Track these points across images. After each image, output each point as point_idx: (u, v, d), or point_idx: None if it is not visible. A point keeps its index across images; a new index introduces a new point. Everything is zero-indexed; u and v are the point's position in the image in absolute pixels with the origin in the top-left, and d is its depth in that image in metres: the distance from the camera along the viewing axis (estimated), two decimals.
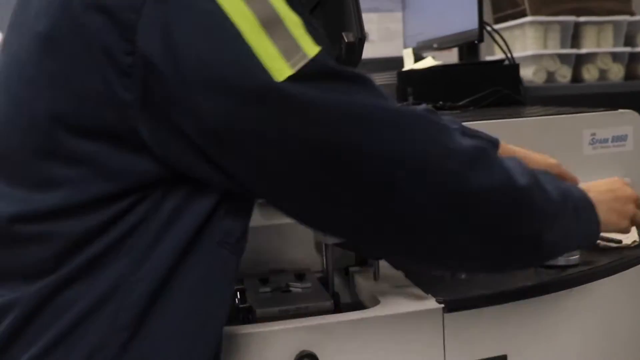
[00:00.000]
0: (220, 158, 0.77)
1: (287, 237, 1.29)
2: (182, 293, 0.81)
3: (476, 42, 1.92)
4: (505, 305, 1.11)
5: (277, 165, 0.77)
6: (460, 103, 1.81)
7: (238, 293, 1.18)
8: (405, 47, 2.40)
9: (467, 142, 0.85)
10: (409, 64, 2.28)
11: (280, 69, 0.73)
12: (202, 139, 0.75)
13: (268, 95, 0.73)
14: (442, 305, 1.07)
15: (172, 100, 0.74)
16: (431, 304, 1.08)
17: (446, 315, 1.06)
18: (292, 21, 0.75)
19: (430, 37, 2.24)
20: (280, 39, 0.74)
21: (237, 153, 0.76)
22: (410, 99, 1.85)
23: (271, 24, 0.74)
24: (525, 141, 1.51)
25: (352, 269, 1.29)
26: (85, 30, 0.74)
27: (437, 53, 2.38)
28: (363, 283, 1.20)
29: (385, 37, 2.99)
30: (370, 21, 3.01)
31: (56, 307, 0.77)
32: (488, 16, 2.68)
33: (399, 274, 1.22)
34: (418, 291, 1.13)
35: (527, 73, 2.37)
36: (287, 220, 1.26)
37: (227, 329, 1.00)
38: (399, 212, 0.81)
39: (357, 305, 1.25)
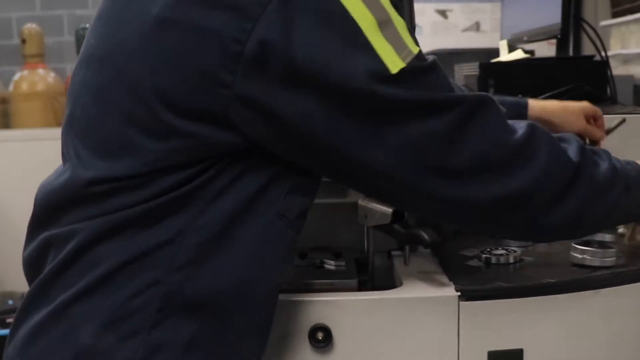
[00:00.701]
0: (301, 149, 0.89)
1: (333, 216, 1.34)
2: (236, 250, 0.90)
3: (559, 36, 1.88)
4: (526, 299, 1.12)
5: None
6: (540, 97, 1.78)
7: None
8: (502, 38, 2.37)
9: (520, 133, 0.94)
10: (503, 56, 2.25)
11: (394, 62, 0.83)
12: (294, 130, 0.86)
13: (385, 85, 0.84)
14: (459, 293, 1.09)
15: (274, 87, 0.83)
16: (449, 291, 1.10)
17: (462, 303, 1.09)
18: (399, 22, 0.86)
19: (522, 30, 2.20)
20: (392, 37, 0.84)
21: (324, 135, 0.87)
22: (491, 90, 1.85)
23: (385, 24, 0.84)
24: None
25: (393, 252, 1.33)
26: (203, 16, 0.82)
27: (539, 46, 2.34)
28: (396, 266, 1.23)
29: (495, 27, 2.95)
30: (482, 11, 2.98)
31: (116, 242, 0.88)
32: (605, 10, 2.60)
33: (434, 261, 1.25)
34: (443, 278, 1.16)
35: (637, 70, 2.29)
36: (336, 199, 1.34)
37: None
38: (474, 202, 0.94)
39: (388, 287, 1.29)
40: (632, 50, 2.35)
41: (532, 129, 0.95)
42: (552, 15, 1.93)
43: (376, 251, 1.33)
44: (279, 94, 0.83)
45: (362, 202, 1.29)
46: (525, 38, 2.17)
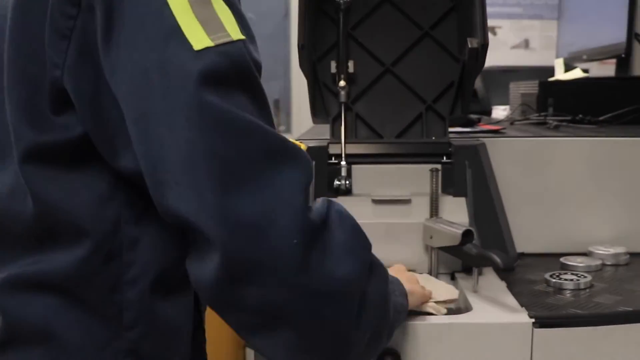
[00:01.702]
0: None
1: (397, 237, 1.31)
2: None
3: (623, 55, 1.83)
4: (602, 328, 1.07)
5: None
6: (601, 118, 1.74)
7: None
8: (558, 56, 2.33)
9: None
10: (559, 74, 2.21)
11: (201, 39, 0.72)
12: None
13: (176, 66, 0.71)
14: (533, 320, 1.05)
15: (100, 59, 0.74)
16: (522, 317, 1.06)
17: (536, 330, 1.04)
18: (220, 7, 0.75)
19: (581, 48, 2.16)
20: (204, 16, 0.73)
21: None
22: (550, 109, 1.81)
23: (199, 3, 0.74)
24: None
25: (457, 274, 1.29)
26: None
27: (592, 66, 2.29)
28: (463, 289, 1.20)
29: (547, 45, 2.91)
30: (532, 28, 2.94)
31: None
32: None
33: (501, 285, 1.21)
34: (514, 303, 1.12)
35: None
36: (399, 219, 1.31)
37: None
38: None
39: (455, 311, 1.25)
40: None
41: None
42: (614, 33, 1.88)
43: (441, 273, 1.29)
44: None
45: (428, 222, 1.26)
46: (584, 57, 2.12)
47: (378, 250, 1.19)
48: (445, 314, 1.10)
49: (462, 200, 1.34)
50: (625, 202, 1.47)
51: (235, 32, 0.74)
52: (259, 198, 0.71)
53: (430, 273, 1.26)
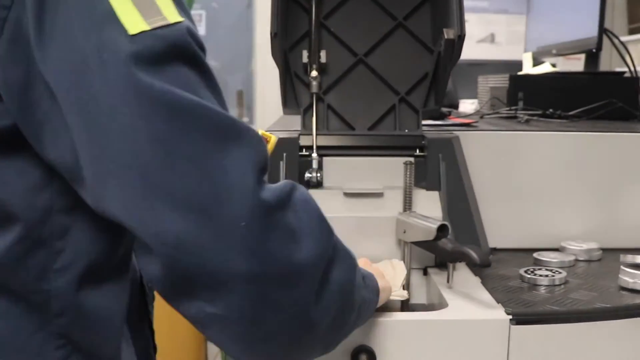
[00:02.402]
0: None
1: (369, 231, 1.28)
2: None
3: (594, 50, 1.82)
4: (578, 325, 1.06)
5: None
6: (571, 113, 1.73)
7: None
8: (526, 51, 2.32)
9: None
10: (527, 69, 2.20)
11: (136, 23, 0.69)
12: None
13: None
14: (510, 317, 1.02)
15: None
16: (499, 313, 1.04)
17: (513, 327, 1.02)
18: None
19: (550, 43, 2.15)
20: (140, 1, 0.71)
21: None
22: (520, 103, 1.79)
23: None
24: (633, 157, 1.46)
25: (430, 269, 1.27)
26: None
27: (560, 61, 2.29)
28: (437, 285, 1.17)
29: (512, 39, 2.90)
30: (498, 22, 2.94)
31: None
32: (622, 26, 2.56)
33: (475, 280, 1.19)
34: (490, 299, 1.09)
35: None
36: (371, 213, 1.27)
37: None
38: None
39: (429, 306, 1.23)
40: None
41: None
42: (585, 28, 1.87)
43: (413, 268, 1.27)
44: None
45: (401, 216, 1.23)
46: (554, 51, 2.11)
47: (349, 245, 1.17)
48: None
49: (435, 194, 1.32)
50: (596, 197, 1.47)
51: (173, 16, 0.71)
52: (205, 181, 0.68)
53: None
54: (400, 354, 1.01)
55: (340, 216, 1.23)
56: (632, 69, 1.89)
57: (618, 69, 2.26)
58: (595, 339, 1.06)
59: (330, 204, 1.28)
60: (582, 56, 2.13)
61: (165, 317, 2.70)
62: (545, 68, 2.07)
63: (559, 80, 1.90)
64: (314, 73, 1.40)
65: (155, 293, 0.91)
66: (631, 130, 1.55)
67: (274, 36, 1.31)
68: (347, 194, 1.30)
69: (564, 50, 2.08)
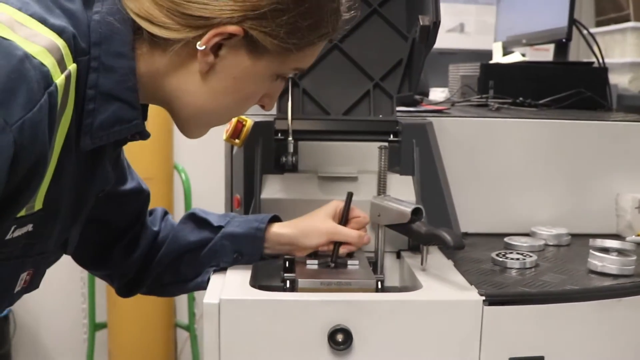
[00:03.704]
0: None
1: None
2: None
3: (564, 40, 1.85)
4: (549, 306, 1.07)
5: None
6: (541, 101, 1.75)
7: (287, 262, 1.19)
8: (496, 40, 2.35)
9: None
10: (497, 58, 2.22)
11: None
12: None
13: None
14: (483, 298, 1.04)
15: None
16: (472, 295, 1.05)
17: (486, 308, 1.04)
18: None
19: (520, 33, 2.18)
20: None
21: None
22: (491, 92, 1.81)
23: None
24: (601, 145, 1.49)
25: (403, 252, 1.28)
26: None
27: (530, 51, 2.32)
28: (411, 267, 1.18)
29: (481, 29, 2.93)
30: (468, 12, 2.96)
31: None
32: (589, 18, 2.59)
33: (448, 263, 1.20)
34: (463, 281, 1.11)
35: (623, 80, 2.28)
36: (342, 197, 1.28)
37: (269, 294, 1.03)
38: None
39: (402, 289, 1.24)
40: (616, 59, 2.34)
41: None
42: (554, 19, 1.90)
43: (386, 251, 1.28)
44: None
45: (376, 200, 1.24)
46: (524, 41, 2.14)
47: None
48: None
49: (409, 179, 1.33)
50: (565, 183, 1.50)
51: None
52: None
53: (376, 251, 1.24)
54: (376, 333, 1.02)
55: (316, 199, 1.24)
56: (600, 59, 1.92)
57: (585, 60, 2.29)
58: (565, 319, 1.08)
59: (305, 187, 1.29)
60: (550, 47, 2.16)
61: (135, 305, 2.66)
62: (515, 57, 2.10)
63: (529, 69, 1.93)
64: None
65: None
66: (599, 118, 1.58)
67: None
68: (321, 178, 1.31)
69: (533, 40, 2.11)
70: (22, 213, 0.87)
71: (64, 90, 0.85)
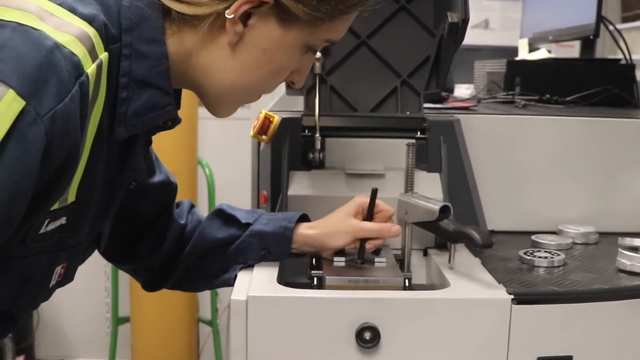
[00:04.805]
0: None
1: None
2: None
3: (592, 37, 1.83)
4: (578, 305, 1.06)
5: None
6: (568, 98, 1.74)
7: (314, 260, 1.19)
8: (522, 37, 2.33)
9: None
10: (523, 54, 2.20)
11: None
12: None
13: None
14: (512, 297, 1.03)
15: None
16: (501, 293, 1.04)
17: (514, 307, 1.03)
18: None
19: (547, 29, 2.16)
20: None
21: None
22: (517, 88, 1.80)
23: None
24: (629, 142, 1.46)
25: (430, 250, 1.27)
26: None
27: (555, 48, 2.30)
28: (438, 265, 1.18)
29: (506, 26, 2.91)
30: (493, 9, 2.94)
31: None
32: (615, 14, 2.56)
33: (476, 261, 1.20)
34: (491, 279, 1.10)
35: None
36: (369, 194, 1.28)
37: (296, 291, 1.03)
38: None
39: (429, 286, 1.24)
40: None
41: None
42: (581, 15, 1.88)
43: (413, 249, 1.27)
44: None
45: (403, 197, 1.24)
46: (550, 37, 2.11)
47: None
48: None
49: (436, 176, 1.33)
50: (593, 181, 1.48)
51: None
52: None
53: (403, 249, 1.24)
54: (404, 332, 1.01)
55: (342, 196, 1.24)
56: (627, 56, 1.90)
57: (611, 57, 2.27)
58: (594, 319, 1.07)
59: (332, 184, 1.29)
60: (576, 43, 2.13)
61: (158, 299, 2.65)
62: (541, 54, 2.08)
63: (556, 66, 1.92)
64: (317, 54, 1.40)
65: None
66: (627, 116, 1.57)
67: None
68: (349, 175, 1.30)
69: (560, 36, 2.09)
70: (56, 206, 0.87)
71: (96, 80, 0.84)
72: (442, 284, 1.12)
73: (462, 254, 1.22)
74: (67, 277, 1.01)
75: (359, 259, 1.16)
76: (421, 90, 1.43)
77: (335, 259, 1.17)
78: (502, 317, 1.03)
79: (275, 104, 1.63)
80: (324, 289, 1.09)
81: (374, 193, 1.18)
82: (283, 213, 1.20)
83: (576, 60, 2.09)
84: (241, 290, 1.01)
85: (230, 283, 1.11)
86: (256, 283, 1.05)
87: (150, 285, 1.27)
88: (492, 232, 1.41)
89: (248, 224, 1.15)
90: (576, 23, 1.95)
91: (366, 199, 1.18)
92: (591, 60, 1.97)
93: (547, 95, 1.72)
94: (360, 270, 1.14)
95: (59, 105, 0.78)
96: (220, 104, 1.03)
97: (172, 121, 0.99)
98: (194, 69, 0.97)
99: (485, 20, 2.94)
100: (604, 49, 2.54)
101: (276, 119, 1.32)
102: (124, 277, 3.04)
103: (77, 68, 0.81)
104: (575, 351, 1.05)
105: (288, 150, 1.29)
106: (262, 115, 1.30)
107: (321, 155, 1.30)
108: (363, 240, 1.15)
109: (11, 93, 0.75)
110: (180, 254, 1.20)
